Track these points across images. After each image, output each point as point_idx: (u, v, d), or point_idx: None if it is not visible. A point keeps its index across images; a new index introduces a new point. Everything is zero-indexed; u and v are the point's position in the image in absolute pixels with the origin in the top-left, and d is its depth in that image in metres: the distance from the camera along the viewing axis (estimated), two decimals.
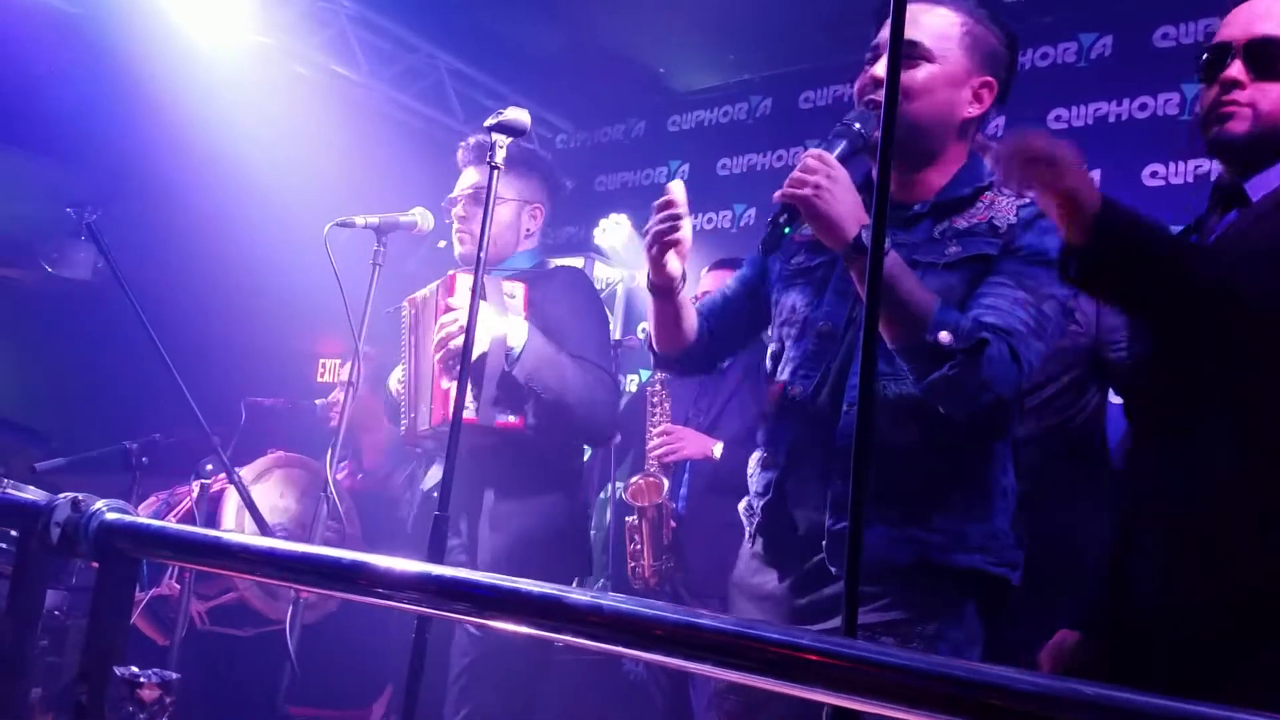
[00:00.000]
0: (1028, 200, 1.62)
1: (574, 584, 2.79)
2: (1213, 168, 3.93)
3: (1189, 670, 1.39)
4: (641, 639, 0.90)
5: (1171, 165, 3.99)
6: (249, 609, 3.03)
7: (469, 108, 5.40)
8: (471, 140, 2.61)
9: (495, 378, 2.29)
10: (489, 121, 1.93)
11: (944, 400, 1.55)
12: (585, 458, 3.14)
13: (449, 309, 2.33)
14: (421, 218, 2.54)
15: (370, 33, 5.00)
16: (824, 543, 1.62)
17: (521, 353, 2.30)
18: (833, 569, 1.61)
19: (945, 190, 1.68)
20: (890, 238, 1.60)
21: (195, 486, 2.97)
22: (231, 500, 2.88)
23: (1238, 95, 1.52)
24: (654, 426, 3.25)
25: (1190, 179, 3.95)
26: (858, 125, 1.60)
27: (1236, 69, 1.52)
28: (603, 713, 3.27)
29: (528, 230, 2.62)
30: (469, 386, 2.27)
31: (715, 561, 2.86)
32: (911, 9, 1.64)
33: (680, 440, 3.18)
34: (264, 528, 2.56)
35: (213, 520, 2.91)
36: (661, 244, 1.70)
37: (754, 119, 5.37)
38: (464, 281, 2.31)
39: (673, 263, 1.72)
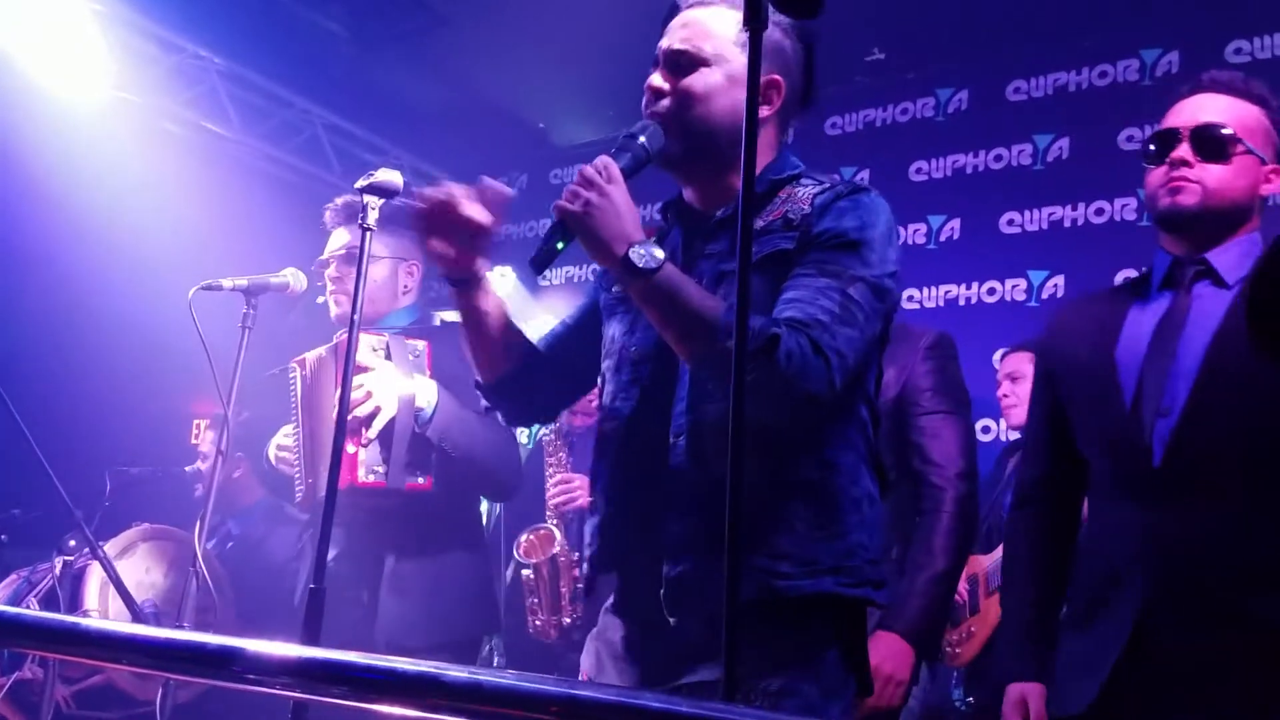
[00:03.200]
0: (825, 186, 1.58)
1: (484, 640, 2.75)
2: (1063, 214, 4.22)
3: None
4: (524, 715, 0.89)
5: (1027, 213, 4.19)
6: (117, 691, 2.88)
7: (346, 162, 5.33)
8: (339, 201, 2.59)
9: (405, 439, 2.26)
10: (360, 183, 1.92)
11: (752, 407, 1.43)
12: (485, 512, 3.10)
13: (356, 368, 2.28)
14: (294, 278, 2.49)
15: (242, 88, 4.89)
16: (660, 591, 1.50)
17: (434, 413, 2.27)
18: (671, 620, 1.50)
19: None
20: (693, 250, 1.61)
21: (58, 563, 2.82)
22: (95, 576, 2.75)
23: (1186, 173, 1.68)
24: (550, 477, 3.21)
25: (1045, 225, 4.16)
26: (642, 139, 1.54)
27: (1184, 150, 1.68)
28: None
29: (405, 287, 2.60)
30: (378, 450, 2.24)
31: None
32: (686, 15, 1.63)
33: (579, 489, 3.14)
34: (131, 606, 2.44)
35: (76, 599, 2.77)
36: (415, 217, 1.56)
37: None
38: (365, 341, 2.28)
39: (437, 245, 1.58)
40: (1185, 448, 1.55)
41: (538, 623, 3.19)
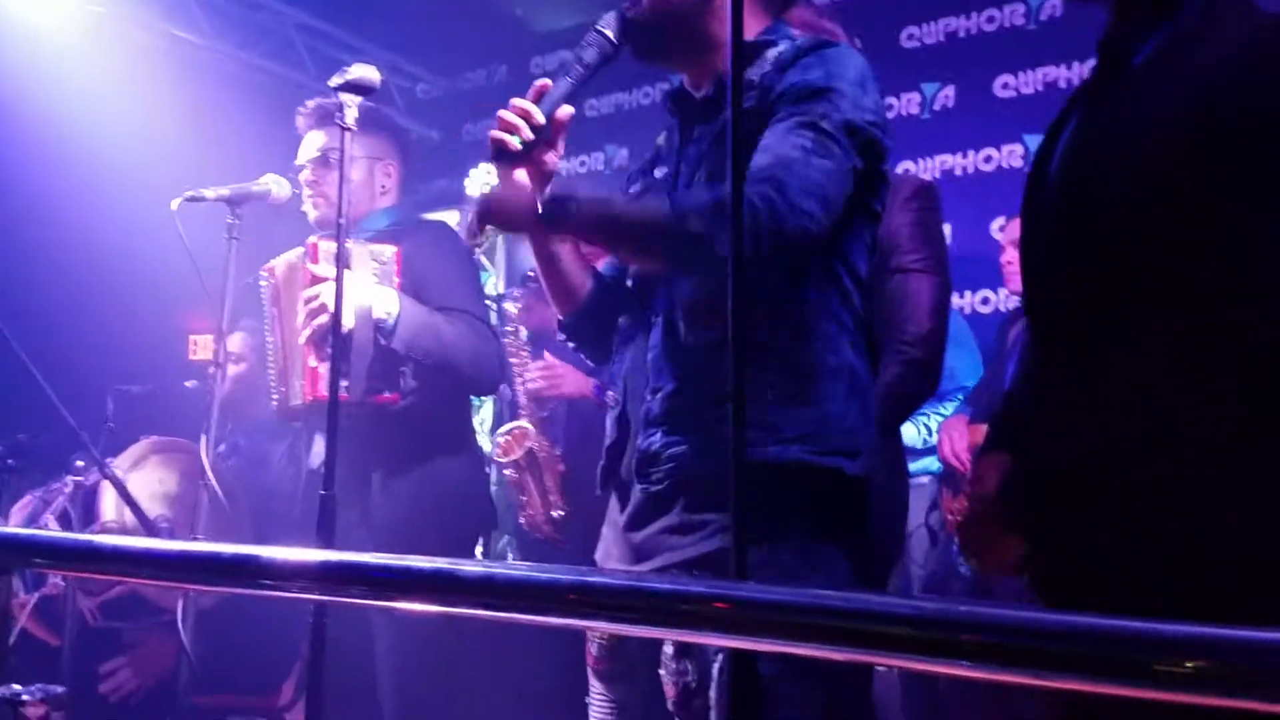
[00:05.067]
0: (785, 44, 1.54)
1: (479, 542, 2.79)
2: (1059, 75, 4.13)
3: None
4: (538, 604, 0.90)
5: (1022, 75, 4.10)
6: (141, 600, 2.94)
7: (321, 63, 5.19)
8: (310, 104, 2.52)
9: (366, 355, 2.21)
10: (334, 81, 1.86)
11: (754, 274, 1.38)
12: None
13: (313, 279, 2.25)
14: (275, 185, 2.44)
15: None
16: (632, 463, 1.53)
17: (396, 323, 2.23)
18: (638, 486, 1.52)
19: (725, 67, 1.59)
20: (683, 137, 1.60)
21: (69, 483, 2.85)
22: (109, 493, 2.77)
23: None
24: (518, 376, 3.19)
25: (1040, 87, 4.07)
26: (605, 30, 1.52)
27: None
28: (555, 658, 3.25)
29: (382, 188, 2.55)
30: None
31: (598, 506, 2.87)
32: None
33: (560, 376, 3.06)
34: (144, 520, 2.47)
35: (90, 515, 2.80)
36: (500, 154, 1.48)
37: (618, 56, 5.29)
38: (327, 248, 2.23)
39: (521, 180, 1.50)
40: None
41: (528, 518, 3.23)
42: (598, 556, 1.67)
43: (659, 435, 1.51)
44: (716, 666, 1.40)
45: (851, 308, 1.54)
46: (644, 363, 1.59)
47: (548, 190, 1.48)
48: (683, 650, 1.43)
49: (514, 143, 1.46)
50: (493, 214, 1.50)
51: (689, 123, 1.63)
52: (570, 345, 1.78)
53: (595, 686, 1.62)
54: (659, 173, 1.66)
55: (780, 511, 1.41)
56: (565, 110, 1.49)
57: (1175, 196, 1.14)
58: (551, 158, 1.51)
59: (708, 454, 1.44)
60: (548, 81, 1.50)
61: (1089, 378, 1.21)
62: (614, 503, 1.65)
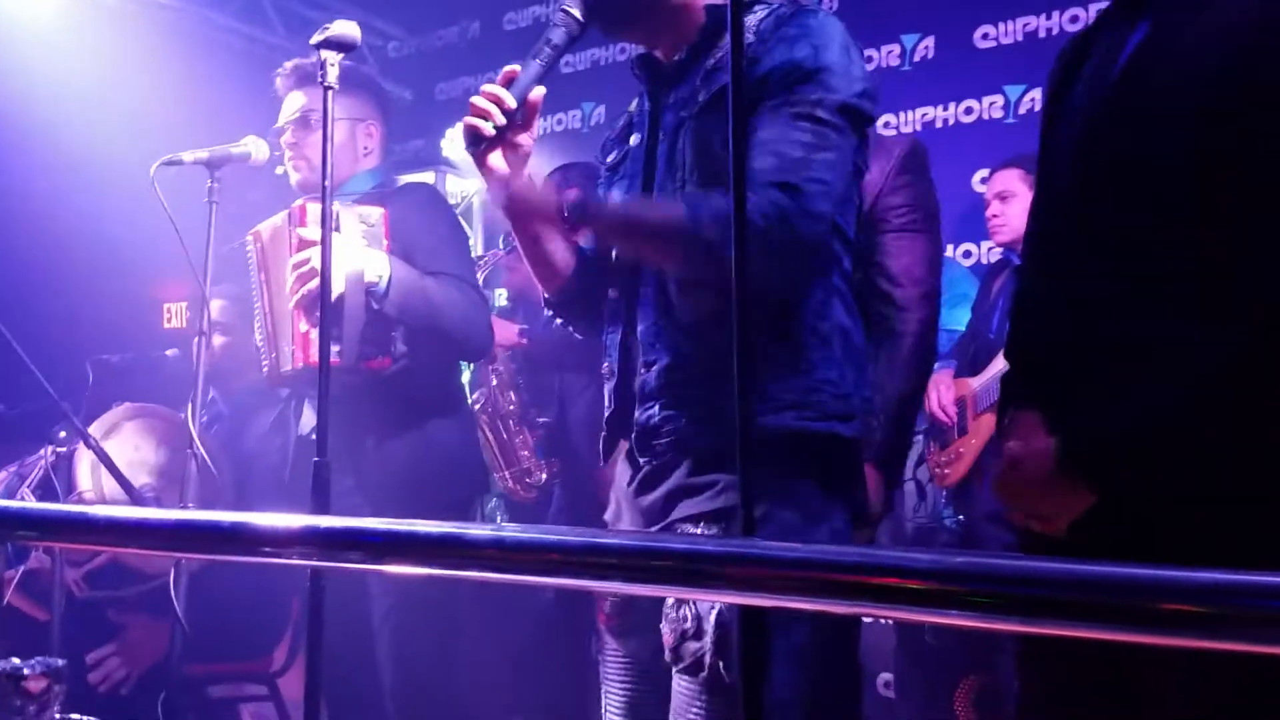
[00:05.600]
0: (767, 10, 1.53)
1: (475, 505, 2.79)
2: (1039, 24, 4.11)
3: None
4: (548, 566, 0.90)
5: (1002, 25, 4.08)
6: (126, 569, 2.91)
7: (290, 21, 5.11)
8: (289, 65, 2.47)
9: (358, 318, 2.18)
10: (315, 39, 1.81)
11: (762, 276, 1.40)
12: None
13: (302, 242, 2.22)
14: (255, 147, 2.39)
15: None
16: (633, 435, 1.55)
17: (388, 287, 2.21)
18: (641, 460, 1.55)
19: (698, 35, 1.57)
20: (659, 102, 1.59)
21: (48, 452, 2.81)
22: (85, 458, 2.73)
23: None
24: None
25: (1020, 37, 4.05)
26: (574, 10, 1.51)
27: None
28: (553, 623, 3.26)
29: (365, 149, 2.51)
30: (329, 328, 2.18)
31: None
32: None
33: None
34: (128, 488, 2.45)
35: (71, 484, 2.77)
36: (474, 140, 1.49)
37: None
38: (315, 211, 2.20)
39: (497, 163, 1.51)
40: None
41: (500, 479, 3.23)
42: (607, 518, 1.68)
43: (657, 409, 1.52)
44: (714, 614, 1.42)
45: (841, 269, 1.54)
46: (626, 337, 1.60)
47: (525, 175, 1.53)
48: (682, 598, 1.45)
49: (487, 129, 1.48)
50: (516, 213, 1.56)
51: (659, 88, 1.62)
52: (558, 321, 1.79)
53: (608, 643, 1.64)
54: (633, 140, 1.65)
55: (777, 476, 1.43)
56: (537, 92, 1.51)
57: (1220, 135, 1.15)
58: (525, 140, 1.53)
59: (706, 426, 1.47)
60: (516, 67, 1.51)
61: (1129, 333, 1.22)
62: (622, 467, 1.66)
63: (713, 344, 1.45)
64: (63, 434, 2.64)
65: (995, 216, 3.12)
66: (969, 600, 0.73)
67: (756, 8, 1.55)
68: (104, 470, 2.54)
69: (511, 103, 1.48)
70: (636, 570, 0.86)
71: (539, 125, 1.58)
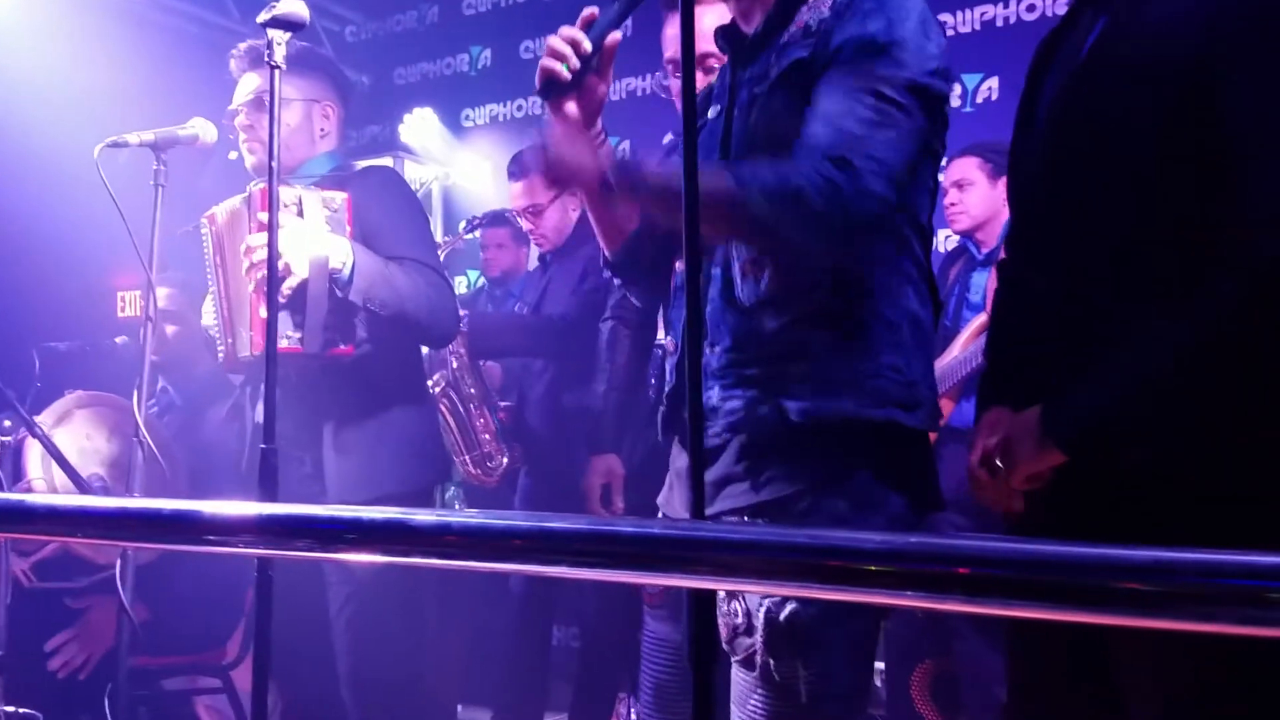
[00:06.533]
0: None
1: (436, 492, 2.76)
2: (996, 13, 4.13)
3: None
4: (495, 551, 0.88)
5: (959, 13, 4.10)
6: (75, 558, 2.87)
7: (245, 5, 5.02)
8: (243, 46, 2.42)
9: (322, 305, 2.15)
10: (262, 17, 1.78)
11: (818, 251, 1.41)
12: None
13: (261, 226, 2.17)
14: (202, 129, 2.34)
15: None
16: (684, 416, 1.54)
17: (352, 273, 2.17)
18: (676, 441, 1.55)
19: (774, 5, 1.52)
20: (734, 77, 1.55)
21: None
22: (35, 447, 2.69)
23: None
24: None
25: (977, 26, 4.07)
26: None
27: None
28: (514, 611, 3.24)
29: (322, 130, 2.47)
30: (290, 315, 2.15)
31: None
32: None
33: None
34: (74, 477, 2.40)
35: (18, 472, 2.71)
36: (549, 85, 1.44)
37: None
38: (279, 196, 2.16)
39: (570, 109, 1.47)
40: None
41: (468, 468, 3.21)
42: (660, 500, 1.66)
43: (717, 389, 1.48)
44: (763, 610, 1.41)
45: (912, 255, 1.50)
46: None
47: (604, 147, 1.48)
48: (732, 593, 1.44)
49: (564, 72, 1.43)
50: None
51: (738, 62, 1.57)
52: (616, 282, 1.76)
53: (649, 625, 1.64)
54: (712, 112, 1.61)
55: (829, 465, 1.41)
56: (614, 37, 1.45)
57: (1185, 132, 1.17)
58: (601, 87, 1.49)
59: (762, 409, 1.44)
60: (595, 10, 1.45)
61: (1119, 331, 1.23)
62: (676, 448, 1.64)
63: (772, 328, 1.43)
64: (7, 423, 2.58)
65: (953, 205, 3.13)
66: (921, 580, 0.73)
67: None
68: (55, 463, 2.49)
69: (588, 46, 1.42)
70: (585, 555, 0.85)
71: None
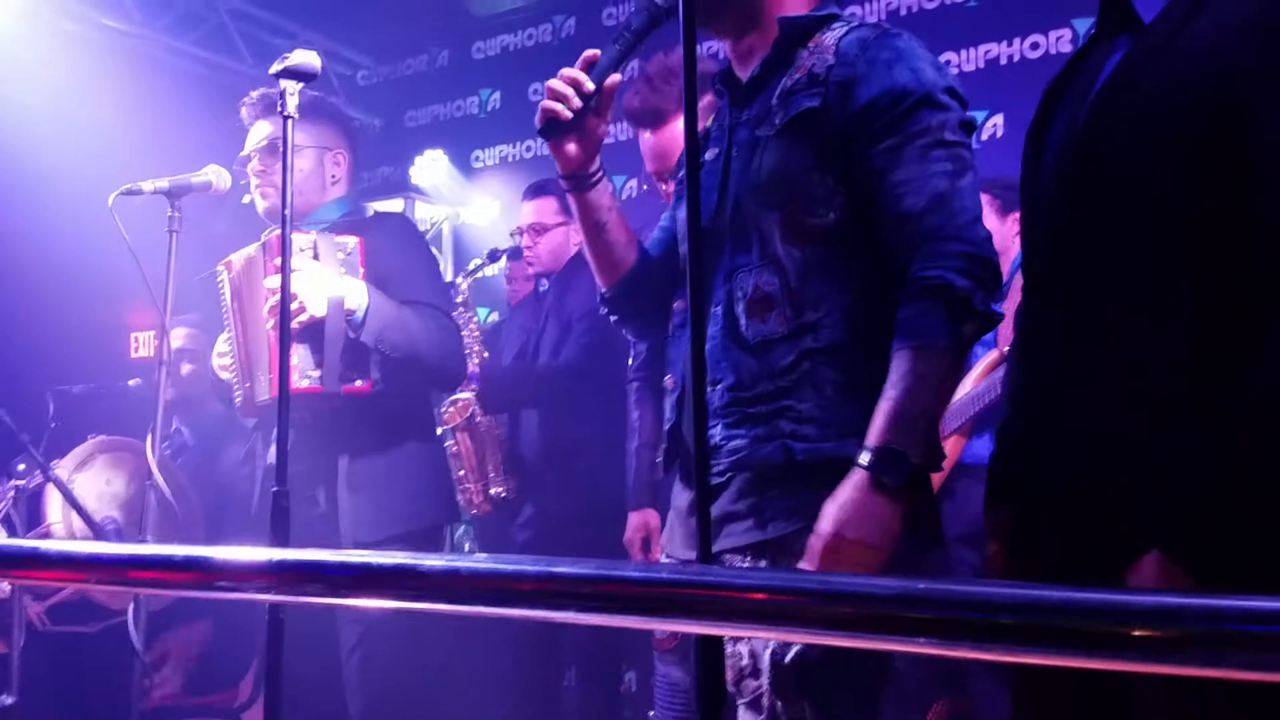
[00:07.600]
0: (844, 28, 1.50)
1: (444, 532, 2.77)
2: (1001, 51, 4.16)
3: None
4: (504, 597, 0.88)
5: (964, 51, 4.13)
6: (90, 603, 2.88)
7: (257, 50, 5.08)
8: (255, 94, 2.47)
9: (338, 344, 2.19)
10: (275, 68, 1.81)
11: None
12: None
13: (279, 271, 2.20)
14: (216, 176, 2.38)
15: None
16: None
17: (365, 315, 2.21)
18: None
19: (771, 49, 1.54)
20: (731, 118, 1.56)
21: (10, 488, 2.78)
22: (54, 495, 2.71)
23: None
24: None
25: (981, 64, 4.10)
26: (634, 25, 1.48)
27: None
28: (526, 652, 3.22)
29: (333, 177, 2.51)
30: (309, 354, 2.18)
31: None
32: None
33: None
34: (90, 521, 2.41)
35: (36, 516, 2.73)
36: (550, 125, 1.49)
37: (559, 40, 5.24)
38: (293, 241, 2.20)
39: (570, 149, 1.52)
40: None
41: (465, 494, 3.20)
42: (662, 539, 1.66)
43: (720, 428, 1.49)
44: (768, 653, 1.41)
45: None
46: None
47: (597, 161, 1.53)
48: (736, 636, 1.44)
49: (565, 112, 1.47)
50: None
51: (737, 104, 1.59)
52: (612, 318, 1.76)
53: (659, 669, 1.63)
54: (710, 155, 1.62)
55: None
56: (614, 78, 1.50)
57: (1209, 161, 1.15)
58: (600, 127, 1.53)
59: (765, 448, 1.44)
60: (596, 51, 1.49)
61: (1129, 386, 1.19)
62: (678, 486, 1.63)
63: (776, 365, 1.44)
64: (22, 466, 2.60)
65: None
66: (933, 627, 0.72)
67: (834, 24, 1.53)
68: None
69: (590, 85, 1.47)
70: (594, 600, 0.85)
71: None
